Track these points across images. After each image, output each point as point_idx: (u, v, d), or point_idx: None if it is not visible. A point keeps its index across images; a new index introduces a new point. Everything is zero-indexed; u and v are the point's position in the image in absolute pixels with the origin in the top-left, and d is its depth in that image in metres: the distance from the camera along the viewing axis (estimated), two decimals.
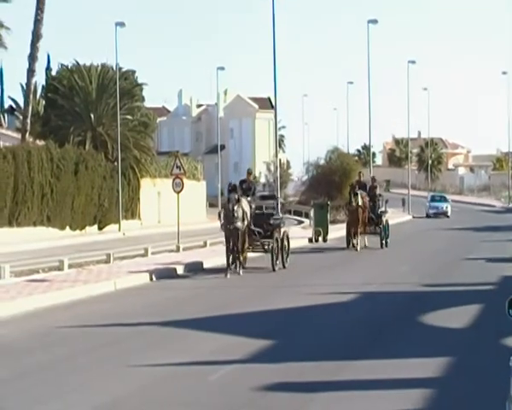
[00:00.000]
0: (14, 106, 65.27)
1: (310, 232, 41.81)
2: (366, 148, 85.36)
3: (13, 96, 65.40)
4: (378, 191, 36.39)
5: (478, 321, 16.21)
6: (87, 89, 58.08)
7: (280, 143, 64.37)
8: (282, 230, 26.65)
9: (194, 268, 25.61)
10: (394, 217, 66.20)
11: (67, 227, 47.66)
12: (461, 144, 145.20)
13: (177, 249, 31.40)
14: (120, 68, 56.04)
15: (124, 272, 23.85)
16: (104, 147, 55.90)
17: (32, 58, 55.56)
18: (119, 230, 50.78)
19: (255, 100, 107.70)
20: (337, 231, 42.98)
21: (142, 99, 62.55)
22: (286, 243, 26.37)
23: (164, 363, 12.09)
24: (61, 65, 61.01)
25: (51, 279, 22.04)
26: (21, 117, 59.13)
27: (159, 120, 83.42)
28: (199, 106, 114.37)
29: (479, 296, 19.34)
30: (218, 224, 27.32)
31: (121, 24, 52.65)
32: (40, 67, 59.17)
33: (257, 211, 25.89)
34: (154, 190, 57.73)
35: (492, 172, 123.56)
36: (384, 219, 34.84)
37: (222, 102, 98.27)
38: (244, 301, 19.21)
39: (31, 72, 56.11)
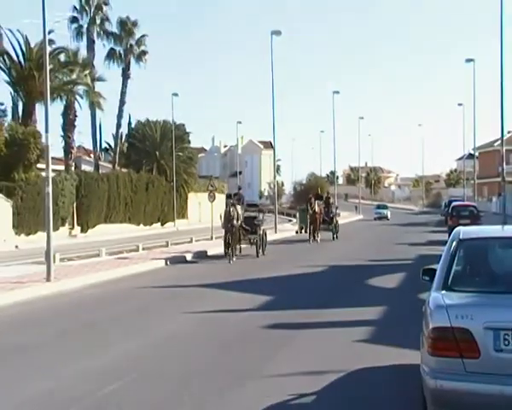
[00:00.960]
0: (108, 147, 65.59)
1: (296, 227, 42.29)
2: (332, 172, 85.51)
3: (107, 140, 65.76)
4: (331, 201, 35.31)
5: (403, 283, 16.02)
6: (154, 136, 58.37)
7: (277, 170, 64.66)
8: (262, 228, 24.33)
9: (220, 253, 23.78)
10: (350, 217, 66.44)
11: (141, 224, 48.04)
12: (392, 170, 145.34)
13: (211, 238, 31.26)
14: (175, 122, 56.37)
15: (175, 252, 23.63)
16: (164, 173, 56.13)
17: (119, 117, 56.22)
18: (174, 226, 51.07)
19: (261, 142, 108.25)
20: None
21: (189, 142, 62.74)
22: (265, 237, 24.42)
23: (200, 311, 11.90)
24: (138, 121, 61.46)
25: (131, 257, 22.09)
26: (113, 154, 59.72)
27: (199, 155, 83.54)
28: (225, 146, 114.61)
29: (403, 268, 18.99)
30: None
31: (176, 94, 53.17)
32: (124, 122, 59.80)
33: (245, 214, 23.81)
34: (196, 201, 57.97)
35: (412, 188, 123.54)
36: (334, 221, 33.43)
37: (240, 144, 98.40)
38: (246, 274, 18.28)
39: (118, 125, 56.77)
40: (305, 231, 40.38)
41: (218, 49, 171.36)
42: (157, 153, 57.48)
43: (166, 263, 20.87)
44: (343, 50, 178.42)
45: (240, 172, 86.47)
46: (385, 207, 69.31)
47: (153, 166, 56.40)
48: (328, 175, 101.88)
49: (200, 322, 11.03)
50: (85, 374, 7.65)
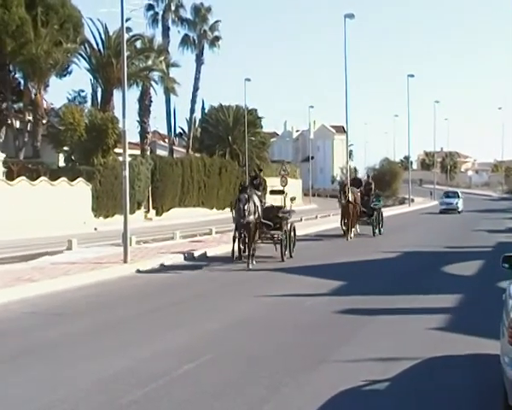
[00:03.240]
0: (182, 132, 66.61)
1: None
2: (406, 157, 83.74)
3: (181, 125, 66.77)
4: (372, 187, 27.68)
5: (481, 271, 15.69)
6: (227, 121, 58.85)
7: (349, 155, 64.11)
8: (289, 222, 18.80)
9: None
10: (425, 203, 65.10)
11: (214, 208, 48.64)
12: (469, 155, 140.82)
13: None
14: (247, 107, 56.62)
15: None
16: (237, 158, 56.55)
17: (193, 102, 56.94)
18: None
19: (333, 127, 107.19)
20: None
21: (261, 127, 62.92)
22: (293, 234, 18.57)
23: (275, 294, 11.97)
24: (211, 106, 62.10)
25: (204, 240, 22.46)
26: (186, 139, 60.62)
27: (272, 140, 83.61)
28: (297, 131, 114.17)
29: (482, 255, 18.58)
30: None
31: (248, 79, 53.34)
32: (198, 107, 60.56)
33: (267, 205, 18.53)
34: (268, 185, 58.02)
35: (491, 173, 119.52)
36: (377, 213, 26.61)
37: (312, 129, 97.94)
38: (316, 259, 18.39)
39: (192, 110, 57.52)
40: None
41: (290, 33, 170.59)
42: (230, 138, 57.94)
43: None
44: (418, 33, 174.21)
45: (312, 157, 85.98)
46: (455, 196, 51.83)
47: (225, 151, 56.92)
48: (401, 160, 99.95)
49: (274, 305, 11.08)
50: (164, 353, 7.84)
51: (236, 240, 17.12)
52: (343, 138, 76.73)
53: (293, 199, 20.02)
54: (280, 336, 8.77)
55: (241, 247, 17.15)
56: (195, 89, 56.37)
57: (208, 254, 18.76)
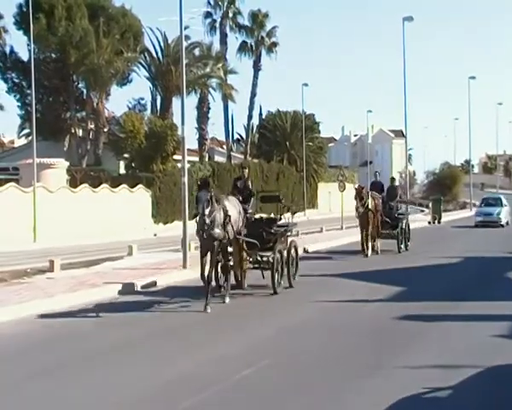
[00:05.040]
0: (239, 138, 67.07)
1: (429, 217, 41.25)
2: (467, 161, 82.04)
3: (239, 131, 67.25)
4: (399, 193, 22.46)
5: None
6: (284, 126, 58.86)
7: (408, 159, 63.14)
8: (290, 239, 13.92)
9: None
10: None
11: (272, 213, 48.63)
12: None
13: (341, 228, 31.19)
14: (305, 112, 56.54)
15: (306, 242, 23.46)
16: (295, 163, 56.49)
17: (251, 108, 57.33)
18: (304, 215, 51.36)
19: (392, 131, 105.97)
20: (447, 217, 42.06)
21: (319, 132, 62.68)
22: (293, 253, 13.57)
23: (331, 300, 11.87)
24: (268, 111, 62.30)
25: None
26: (244, 145, 61.05)
27: (329, 145, 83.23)
28: (355, 136, 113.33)
29: None
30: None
31: (306, 84, 53.23)
32: (255, 113, 60.89)
33: (255, 216, 13.74)
34: (326, 190, 57.84)
35: None
36: (403, 222, 21.51)
37: (370, 133, 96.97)
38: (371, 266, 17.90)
39: (250, 117, 57.92)
40: (438, 222, 39.28)
41: (347, 37, 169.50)
42: (287, 143, 57.94)
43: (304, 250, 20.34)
44: (479, 34, 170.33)
45: (370, 162, 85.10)
46: (497, 203, 37.18)
47: (283, 157, 56.96)
48: (462, 164, 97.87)
49: (331, 311, 11.03)
50: (222, 358, 7.90)
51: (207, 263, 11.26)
52: (402, 142, 75.88)
53: (292, 209, 15.17)
54: (338, 342, 8.73)
55: (213, 273, 11.52)
56: (253, 95, 56.79)
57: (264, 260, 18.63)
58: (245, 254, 12.60)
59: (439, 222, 39.29)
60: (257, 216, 14.04)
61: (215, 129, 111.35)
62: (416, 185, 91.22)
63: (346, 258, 19.26)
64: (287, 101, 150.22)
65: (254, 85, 56.63)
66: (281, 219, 13.79)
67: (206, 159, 48.26)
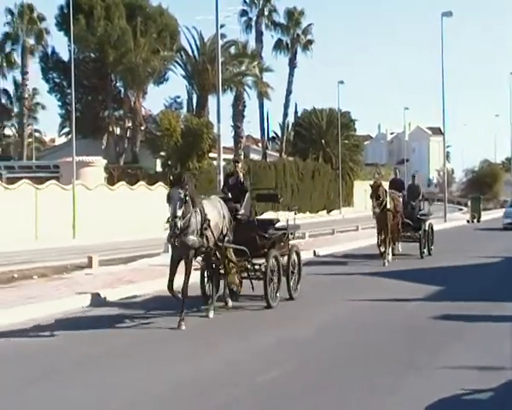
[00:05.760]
0: (275, 136, 67.03)
1: (467, 216, 40.66)
2: (508, 159, 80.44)
3: (274, 129, 67.20)
4: (421, 192, 20.25)
5: None
6: (320, 124, 58.67)
7: (446, 156, 62.22)
8: (291, 244, 11.97)
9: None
10: None
11: (307, 211, 48.59)
12: None
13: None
14: (341, 110, 56.23)
15: (343, 240, 23.62)
16: (330, 161, 56.27)
17: (286, 106, 57.25)
18: (340, 213, 51.07)
19: (430, 128, 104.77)
20: (487, 216, 41.41)
21: (355, 129, 62.30)
22: (295, 259, 11.66)
23: (367, 298, 11.70)
24: (304, 109, 62.14)
25: (297, 244, 22.54)
26: (279, 143, 61.00)
27: (365, 142, 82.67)
28: (391, 133, 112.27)
29: None
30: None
31: (341, 82, 52.90)
32: (291, 111, 60.76)
33: (243, 217, 11.06)
34: (362, 188, 57.35)
35: None
36: (426, 224, 19.56)
37: (407, 131, 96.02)
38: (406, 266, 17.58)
39: (285, 115, 57.83)
40: (478, 221, 38.65)
41: (384, 34, 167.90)
42: (323, 141, 57.72)
43: (314, 254, 19.72)
44: None
45: (407, 160, 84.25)
46: None
47: (319, 154, 56.77)
48: (503, 162, 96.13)
49: (368, 309, 10.91)
50: (251, 355, 7.88)
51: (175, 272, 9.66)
52: (440, 140, 74.90)
53: (294, 208, 13.02)
54: (374, 341, 8.61)
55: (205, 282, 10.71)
56: (288, 93, 56.73)
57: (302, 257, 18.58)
58: (234, 263, 10.53)
59: (478, 221, 38.73)
60: (243, 218, 11.18)
61: (251, 127, 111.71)
62: (455, 184, 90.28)
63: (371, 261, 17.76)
64: (322, 98, 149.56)
65: (290, 83, 56.61)
66: (278, 220, 11.81)
67: (242, 157, 48.35)
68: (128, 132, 45.57)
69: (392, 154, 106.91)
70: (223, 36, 41.75)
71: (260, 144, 60.83)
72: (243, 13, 54.86)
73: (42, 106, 53.51)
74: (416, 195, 19.66)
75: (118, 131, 46.29)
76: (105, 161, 36.25)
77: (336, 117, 54.90)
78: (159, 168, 40.46)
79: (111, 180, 35.21)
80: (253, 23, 54.79)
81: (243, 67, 47.36)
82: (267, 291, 10.56)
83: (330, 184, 52.51)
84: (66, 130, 49.10)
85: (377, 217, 17.11)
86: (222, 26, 36.18)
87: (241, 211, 11.04)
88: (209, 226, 9.67)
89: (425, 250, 18.98)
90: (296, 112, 64.13)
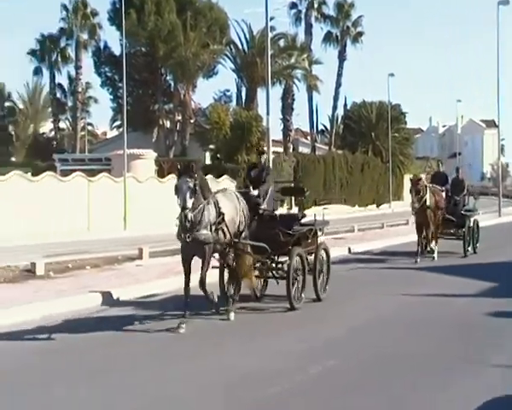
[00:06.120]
0: (324, 129, 66.62)
1: None
2: None
3: (323, 122, 66.76)
4: (466, 185, 18.81)
5: None
6: (369, 117, 57.97)
7: (501, 150, 60.75)
8: (320, 240, 11.31)
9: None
10: None
11: (356, 205, 48.19)
12: None
13: None
14: (391, 103, 55.46)
15: (392, 235, 23.38)
16: (380, 154, 55.59)
17: (335, 98, 56.81)
18: (389, 207, 50.47)
19: (483, 121, 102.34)
20: None
21: (405, 122, 61.37)
22: (324, 255, 11.04)
23: (420, 293, 11.49)
24: (353, 102, 61.53)
25: (346, 237, 22.18)
26: (328, 136, 60.60)
27: (416, 136, 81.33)
28: (443, 126, 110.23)
29: None
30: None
31: (392, 74, 52.22)
32: (340, 104, 60.24)
33: (266, 212, 10.28)
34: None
35: None
36: (471, 220, 18.30)
37: (459, 123, 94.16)
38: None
39: (334, 107, 57.41)
40: None
41: (435, 25, 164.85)
42: (372, 134, 57.05)
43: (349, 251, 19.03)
44: None
45: (459, 153, 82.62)
46: None
47: (368, 148, 56.14)
48: None
49: (421, 305, 10.74)
50: (295, 353, 7.85)
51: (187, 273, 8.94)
52: (494, 133, 73.07)
53: (323, 203, 12.43)
54: (427, 337, 8.48)
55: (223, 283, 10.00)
56: (338, 85, 56.26)
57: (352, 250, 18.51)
58: (250, 260, 9.78)
59: None
60: (278, 212, 10.91)
61: (300, 120, 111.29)
62: (509, 178, 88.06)
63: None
64: (372, 91, 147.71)
65: (339, 76, 56.09)
66: (304, 215, 11.09)
67: (291, 150, 48.25)
68: (178, 126, 46.01)
69: (444, 147, 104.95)
70: (272, 29, 41.63)
71: (309, 137, 60.56)
72: (293, 5, 54.68)
73: (94, 100, 54.52)
74: (460, 189, 18.37)
75: (168, 124, 46.78)
76: (155, 154, 36.69)
77: (386, 110, 54.18)
78: (208, 161, 40.75)
79: (161, 173, 35.62)
80: (303, 16, 54.54)
81: (292, 60, 47.19)
82: (290, 292, 9.87)
83: (380, 178, 51.92)
84: (118, 123, 49.90)
85: (416, 213, 16.36)
86: (271, 19, 36.12)
87: (264, 205, 10.27)
88: (223, 221, 8.97)
89: (469, 248, 17.96)
90: (345, 105, 63.53)
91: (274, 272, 10.50)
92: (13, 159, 53.25)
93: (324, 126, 66.21)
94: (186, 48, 41.79)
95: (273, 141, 22.60)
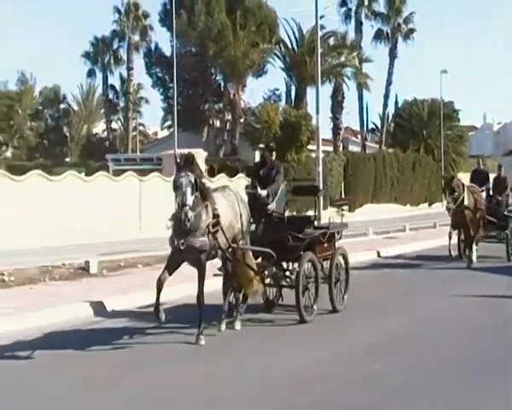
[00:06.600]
0: (374, 128, 65.90)
1: None
2: None
3: (374, 121, 66.02)
4: (508, 186, 17.31)
5: None
6: (421, 115, 57.07)
7: None
8: (337, 245, 10.46)
9: None
10: None
11: (408, 204, 47.52)
12: None
13: None
14: (443, 100, 54.47)
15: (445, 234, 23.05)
16: (432, 152, 54.68)
17: (386, 96, 56.12)
18: (442, 206, 49.50)
19: None
20: None
21: (458, 120, 60.22)
22: (342, 264, 10.19)
23: (465, 294, 11.28)
24: (405, 100, 60.69)
25: (397, 237, 22.21)
26: (379, 134, 59.90)
27: (470, 133, 79.63)
28: (498, 123, 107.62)
29: None
30: None
31: (444, 71, 51.28)
32: (390, 102, 59.43)
33: (274, 214, 9.52)
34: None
35: None
36: None
37: None
38: None
39: (385, 105, 56.72)
40: None
41: (490, 20, 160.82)
42: (424, 132, 56.15)
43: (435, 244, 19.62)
44: None
45: None
46: None
47: (419, 146, 55.28)
48: None
49: (466, 306, 10.56)
50: (354, 351, 7.79)
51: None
52: None
53: (341, 204, 11.19)
54: (472, 339, 8.31)
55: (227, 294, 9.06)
56: (388, 83, 55.49)
57: (399, 252, 18.20)
58: (253, 270, 8.86)
59: None
60: (274, 214, 9.59)
61: (349, 118, 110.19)
62: None
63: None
64: (424, 88, 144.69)
65: (390, 73, 55.31)
66: (318, 217, 10.24)
67: (341, 149, 47.92)
68: (227, 125, 46.24)
69: (499, 145, 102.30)
70: (322, 27, 41.39)
71: (359, 136, 59.99)
72: (342, 3, 54.17)
73: (146, 100, 55.31)
74: (502, 188, 17.16)
75: (217, 123, 47.07)
76: (205, 154, 36.96)
77: (438, 107, 53.24)
78: (257, 160, 40.78)
79: (211, 172, 35.86)
80: (353, 13, 54.01)
81: (342, 58, 46.86)
82: (299, 302, 8.93)
83: (432, 177, 51.03)
84: (168, 123, 50.46)
85: (452, 214, 15.22)
86: (321, 18, 35.92)
87: (271, 206, 9.35)
88: (219, 224, 8.00)
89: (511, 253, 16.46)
90: (396, 102, 62.63)
91: (282, 281, 9.55)
92: (67, 159, 54.57)
93: (375, 125, 65.46)
94: (236, 47, 41.94)
95: (323, 140, 22.50)
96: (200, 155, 36.01)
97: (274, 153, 9.97)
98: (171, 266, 7.91)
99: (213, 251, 8.09)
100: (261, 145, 39.71)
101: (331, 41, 47.05)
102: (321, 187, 16.07)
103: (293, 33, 45.17)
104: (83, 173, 29.55)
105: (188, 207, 7.36)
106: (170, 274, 7.94)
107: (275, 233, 9.22)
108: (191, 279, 8.44)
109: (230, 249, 8.43)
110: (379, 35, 55.04)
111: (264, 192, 9.28)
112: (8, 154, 54.95)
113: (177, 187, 7.61)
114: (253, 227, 9.19)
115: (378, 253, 17.70)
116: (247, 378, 6.62)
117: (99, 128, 60.00)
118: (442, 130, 51.62)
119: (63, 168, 31.05)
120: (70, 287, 11.55)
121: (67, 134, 59.51)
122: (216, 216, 7.93)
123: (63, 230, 22.47)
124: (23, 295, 10.81)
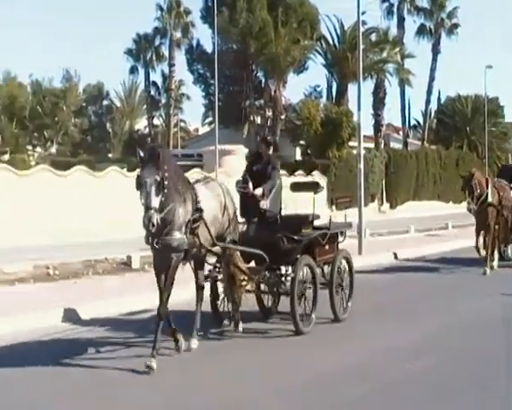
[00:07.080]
0: (416, 124, 65.09)
1: None
2: None
3: (416, 117, 65.18)
4: None
5: None
6: (464, 111, 56.17)
7: None
8: (340, 249, 9.39)
9: None
10: None
11: (450, 201, 46.82)
12: None
13: None
14: (488, 96, 53.43)
15: None
16: (475, 149, 53.80)
17: (429, 93, 55.33)
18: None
19: None
20: None
21: (503, 116, 59.03)
22: (345, 268, 9.27)
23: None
24: (447, 96, 59.79)
25: (440, 235, 22.02)
26: (421, 131, 59.12)
27: None
28: None
29: None
30: None
31: (489, 66, 50.27)
32: (433, 98, 58.61)
33: (268, 213, 8.50)
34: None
35: None
36: None
37: None
38: None
39: (427, 102, 55.94)
40: None
41: None
42: (467, 129, 55.24)
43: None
44: None
45: None
46: None
47: (463, 143, 54.43)
48: None
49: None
50: (389, 350, 7.73)
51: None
52: None
53: (343, 203, 10.38)
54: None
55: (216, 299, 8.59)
56: (431, 79, 54.65)
57: (440, 250, 17.95)
58: (242, 273, 8.12)
59: None
60: (268, 212, 8.59)
61: (391, 115, 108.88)
62: None
63: None
64: (468, 84, 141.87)
65: (433, 69, 54.48)
66: (317, 217, 9.06)
67: (382, 145, 47.46)
68: (268, 122, 46.26)
69: None
70: (363, 23, 41.04)
71: (401, 133, 59.29)
72: None
73: (187, 97, 55.70)
74: None
75: (258, 120, 47.14)
76: (246, 150, 37.03)
77: (483, 103, 52.25)
78: (298, 157, 40.75)
79: None
80: (395, 9, 53.29)
81: (384, 54, 46.38)
82: (294, 311, 8.01)
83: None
84: (209, 119, 50.74)
85: (477, 213, 13.94)
86: (363, 13, 35.57)
87: (264, 204, 8.38)
88: (202, 219, 7.14)
89: None
90: (439, 99, 61.73)
91: (274, 287, 8.64)
92: (110, 155, 55.36)
93: (417, 121, 64.62)
94: (277, 44, 41.89)
95: (364, 136, 22.28)
96: (241, 152, 36.17)
97: (271, 146, 8.93)
98: (161, 283, 7.05)
99: (193, 249, 7.19)
100: (302, 142, 39.70)
101: (373, 37, 46.61)
102: (362, 184, 16.15)
103: (335, 29, 44.99)
104: (125, 169, 29.91)
105: (153, 211, 6.40)
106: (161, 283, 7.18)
107: (267, 234, 8.28)
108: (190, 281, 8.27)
109: (217, 247, 7.58)
110: (422, 30, 54.23)
111: (258, 191, 8.30)
112: (53, 150, 56.02)
113: (140, 185, 6.55)
114: (244, 227, 8.38)
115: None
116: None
117: (141, 124, 60.68)
118: (486, 126, 50.67)
119: (106, 164, 31.49)
120: (114, 281, 11.72)
121: (110, 130, 60.37)
122: (198, 210, 7.10)
123: (105, 224, 22.81)
124: (68, 288, 11.02)
